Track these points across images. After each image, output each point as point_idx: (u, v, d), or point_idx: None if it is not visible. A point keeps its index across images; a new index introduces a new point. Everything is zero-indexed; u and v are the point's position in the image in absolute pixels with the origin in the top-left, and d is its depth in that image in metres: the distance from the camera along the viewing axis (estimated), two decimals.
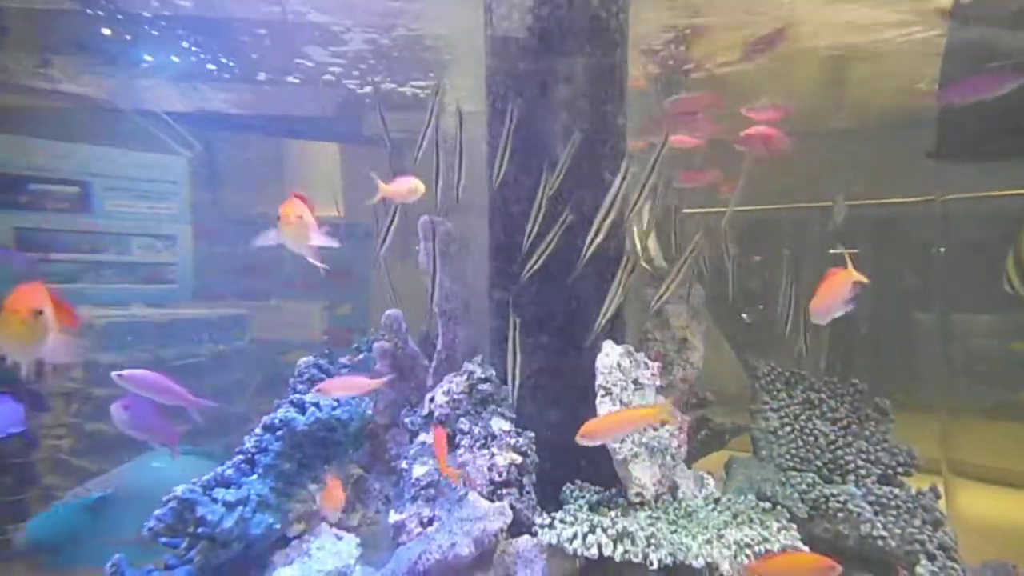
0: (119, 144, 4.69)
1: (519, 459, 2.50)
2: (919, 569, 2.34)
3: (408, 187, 2.54)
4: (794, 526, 2.35)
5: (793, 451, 2.74)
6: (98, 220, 4.54)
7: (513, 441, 2.53)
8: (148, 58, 4.55)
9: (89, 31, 4.14)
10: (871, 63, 4.16)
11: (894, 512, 2.46)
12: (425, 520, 2.39)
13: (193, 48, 4.41)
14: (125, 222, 4.65)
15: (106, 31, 4.15)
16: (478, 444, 2.51)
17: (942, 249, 4.25)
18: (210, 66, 4.66)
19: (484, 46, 2.90)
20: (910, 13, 3.55)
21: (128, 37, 4.22)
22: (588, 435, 2.18)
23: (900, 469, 2.70)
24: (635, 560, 2.12)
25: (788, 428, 2.78)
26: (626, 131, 2.85)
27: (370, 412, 2.81)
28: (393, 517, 2.43)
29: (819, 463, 2.71)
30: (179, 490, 2.22)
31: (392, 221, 2.73)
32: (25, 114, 4.76)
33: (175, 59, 4.57)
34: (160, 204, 4.86)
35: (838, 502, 2.46)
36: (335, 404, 2.60)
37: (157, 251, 4.83)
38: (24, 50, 4.32)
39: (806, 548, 2.23)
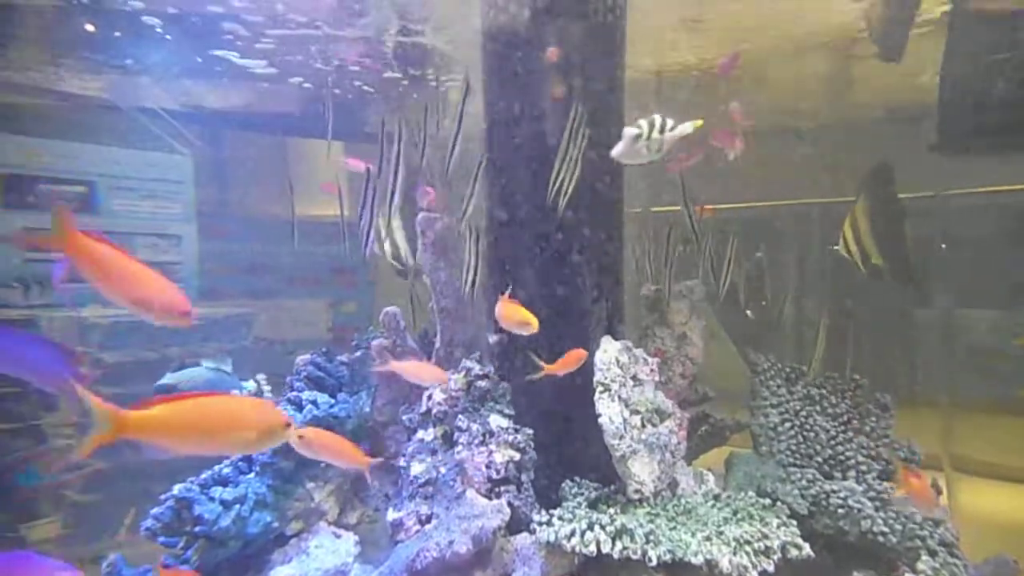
0: (125, 143, 4.70)
1: (517, 456, 2.50)
2: (920, 565, 2.32)
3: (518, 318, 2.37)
4: (794, 522, 2.34)
5: (793, 447, 2.72)
6: (104, 220, 4.55)
7: (511, 438, 2.53)
8: (152, 56, 4.56)
9: (95, 29, 4.15)
10: (872, 56, 4.14)
11: (895, 508, 2.45)
12: (423, 518, 2.39)
13: (198, 46, 4.42)
14: (130, 221, 4.66)
15: (110, 29, 4.16)
16: (476, 441, 2.51)
17: (943, 245, 4.22)
18: (216, 65, 4.67)
19: (481, 36, 2.88)
20: None
21: (132, 35, 4.23)
22: (304, 442, 2.08)
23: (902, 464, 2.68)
24: (634, 557, 2.12)
25: (788, 424, 2.77)
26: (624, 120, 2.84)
27: (368, 410, 2.81)
28: (391, 515, 2.44)
29: (819, 459, 2.70)
30: (176, 489, 2.22)
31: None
32: (31, 114, 4.78)
33: (180, 57, 4.58)
34: (165, 203, 4.86)
35: (839, 498, 2.44)
36: (333, 402, 2.60)
37: (163, 251, 4.83)
38: (29, 49, 4.34)
39: (806, 545, 2.23)
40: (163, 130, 4.98)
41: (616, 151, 2.19)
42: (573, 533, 2.18)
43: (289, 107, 5.68)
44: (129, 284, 1.62)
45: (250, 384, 3.26)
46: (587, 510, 2.34)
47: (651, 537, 2.16)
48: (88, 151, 4.50)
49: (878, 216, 3.02)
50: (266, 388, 3.27)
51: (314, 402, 2.56)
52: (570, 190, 2.46)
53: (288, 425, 1.65)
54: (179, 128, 5.06)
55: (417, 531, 2.36)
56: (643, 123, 2.15)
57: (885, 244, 3.03)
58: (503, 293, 2.42)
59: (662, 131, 2.15)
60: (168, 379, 2.94)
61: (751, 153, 3.73)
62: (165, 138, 4.96)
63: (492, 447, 2.49)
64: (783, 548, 2.20)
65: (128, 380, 4.18)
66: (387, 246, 3.33)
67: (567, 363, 2.44)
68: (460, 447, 2.52)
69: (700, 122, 2.22)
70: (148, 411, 1.47)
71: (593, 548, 2.13)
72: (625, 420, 2.44)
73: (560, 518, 2.27)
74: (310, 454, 2.13)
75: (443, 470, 2.46)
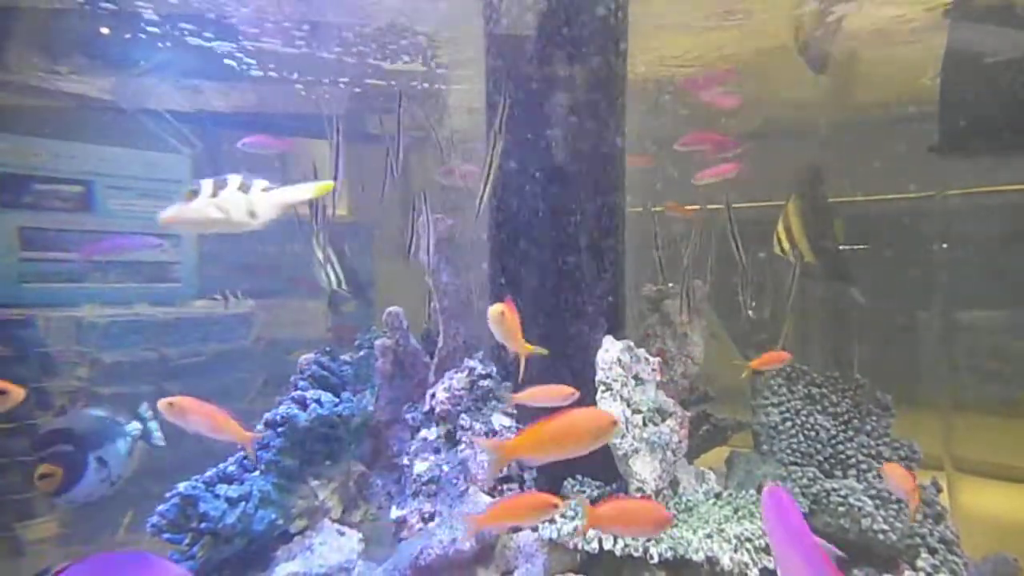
0: (122, 143, 4.69)
1: None
2: (920, 562, 2.34)
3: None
4: None
5: (794, 446, 2.74)
6: (102, 219, 4.55)
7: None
8: (151, 57, 4.56)
9: (92, 30, 4.15)
10: (873, 56, 4.16)
11: (895, 506, 2.46)
12: (427, 515, 2.40)
13: (197, 46, 4.42)
14: (128, 221, 4.65)
15: (108, 30, 4.16)
16: None
17: (944, 245, 4.23)
18: (214, 64, 4.67)
19: (484, 43, 2.89)
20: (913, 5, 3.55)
21: (130, 36, 4.23)
22: (174, 410, 2.01)
23: (901, 463, 2.70)
24: (635, 554, 2.13)
25: (789, 423, 2.78)
26: (624, 130, 2.85)
27: (372, 408, 2.82)
28: (395, 513, 2.45)
29: (820, 458, 2.71)
30: (182, 486, 2.23)
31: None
32: (29, 114, 4.77)
33: (178, 58, 4.58)
34: (164, 203, 4.85)
35: (839, 496, 2.46)
36: (336, 400, 2.61)
37: (161, 250, 4.83)
38: (28, 50, 4.33)
39: None
40: (161, 130, 4.98)
41: (166, 213, 1.88)
42: (575, 530, 2.19)
43: (289, 108, 5.69)
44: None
45: (133, 425, 3.30)
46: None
47: None
48: (85, 150, 4.50)
49: (809, 216, 3.09)
50: (153, 426, 3.29)
51: (318, 401, 2.57)
52: (487, 191, 2.40)
53: (615, 423, 1.85)
54: (178, 127, 5.06)
55: (420, 529, 2.37)
56: (206, 182, 1.88)
57: (817, 244, 3.09)
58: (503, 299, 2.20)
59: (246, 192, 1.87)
60: (60, 423, 3.05)
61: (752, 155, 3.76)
62: (164, 138, 4.96)
63: None
64: None
65: (126, 380, 4.20)
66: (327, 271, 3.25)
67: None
68: (463, 445, 2.53)
69: (327, 185, 2.00)
70: (519, 440, 1.87)
71: (595, 545, 2.15)
72: (627, 419, 2.45)
73: (562, 515, 2.28)
74: (183, 424, 2.03)
75: (446, 468, 2.47)
